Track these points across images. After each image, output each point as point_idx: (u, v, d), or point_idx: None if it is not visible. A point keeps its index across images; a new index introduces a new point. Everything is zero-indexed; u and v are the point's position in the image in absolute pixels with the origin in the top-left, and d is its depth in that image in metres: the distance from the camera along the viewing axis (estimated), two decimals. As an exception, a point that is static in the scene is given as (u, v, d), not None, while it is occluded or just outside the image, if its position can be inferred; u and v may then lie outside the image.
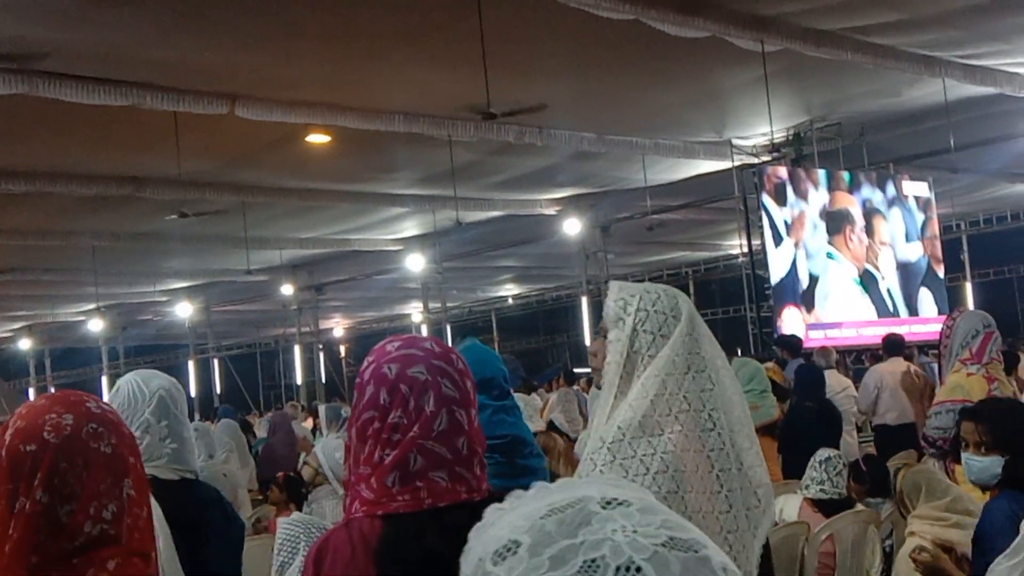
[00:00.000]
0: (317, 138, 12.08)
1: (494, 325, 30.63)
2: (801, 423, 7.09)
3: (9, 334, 28.80)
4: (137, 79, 9.28)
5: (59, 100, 8.98)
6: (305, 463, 6.54)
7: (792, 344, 10.01)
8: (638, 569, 0.77)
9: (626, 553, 0.78)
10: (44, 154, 11.90)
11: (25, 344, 29.05)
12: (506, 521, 0.86)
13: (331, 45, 9.23)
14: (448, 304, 25.18)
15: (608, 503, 0.83)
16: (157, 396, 2.82)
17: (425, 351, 1.87)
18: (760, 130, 13.37)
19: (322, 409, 7.41)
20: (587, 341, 18.90)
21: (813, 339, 11.89)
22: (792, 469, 6.09)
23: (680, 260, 25.02)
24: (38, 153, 11.82)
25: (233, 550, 3.05)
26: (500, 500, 0.91)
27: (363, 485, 1.80)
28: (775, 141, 13.88)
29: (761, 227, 13.00)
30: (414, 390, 1.81)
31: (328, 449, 6.59)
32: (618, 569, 0.78)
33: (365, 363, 1.90)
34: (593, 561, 0.78)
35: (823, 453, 4.99)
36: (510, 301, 30.31)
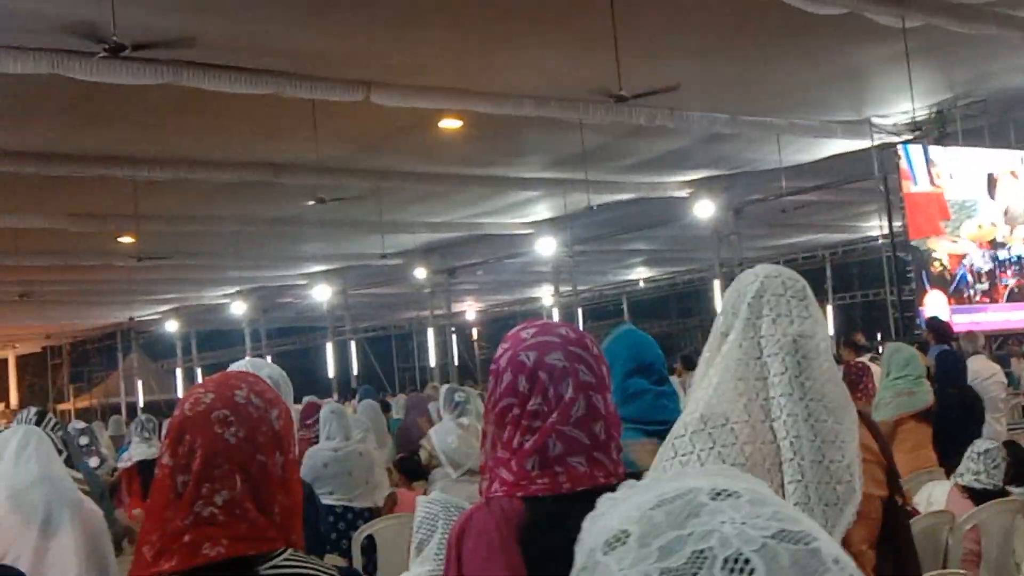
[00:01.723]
0: (449, 123, 12.20)
1: (625, 308, 30.50)
2: (943, 410, 6.87)
3: (158, 316, 30.01)
4: (276, 68, 9.51)
5: (201, 89, 9.27)
6: (421, 446, 6.66)
7: (941, 329, 9.63)
8: (746, 561, 0.76)
9: (734, 545, 0.77)
10: (188, 142, 12.34)
11: (172, 326, 30.24)
12: (617, 511, 0.87)
13: (462, 30, 9.30)
14: (579, 287, 25.17)
15: (718, 494, 0.82)
16: (269, 381, 2.90)
17: (561, 338, 1.87)
18: (900, 108, 12.94)
19: (441, 392, 7.51)
20: (720, 325, 18.61)
21: (958, 323, 11.48)
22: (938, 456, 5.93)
23: (816, 242, 24.43)
24: (182, 141, 12.27)
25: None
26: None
27: (502, 468, 1.82)
28: (916, 119, 13.42)
29: (902, 208, 12.61)
30: (553, 377, 1.82)
31: (441, 433, 6.68)
32: (726, 560, 0.77)
33: (500, 350, 1.92)
34: (701, 552, 0.78)
35: (982, 444, 4.81)
36: (641, 284, 30.12)
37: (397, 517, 5.46)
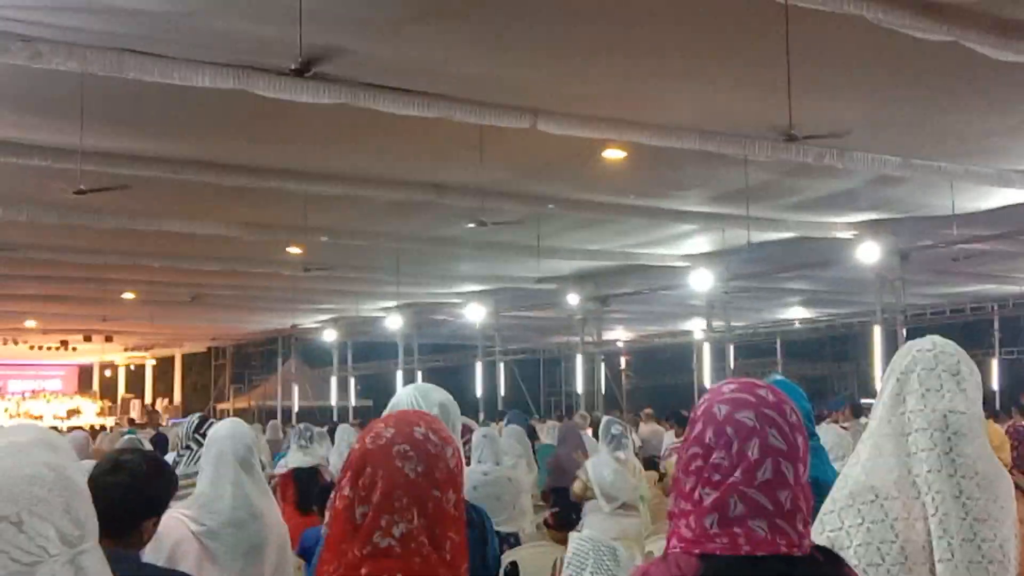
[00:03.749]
0: (613, 153, 12.23)
1: (779, 348, 29.88)
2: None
3: (317, 325, 30.93)
4: (447, 92, 9.73)
5: (373, 109, 9.55)
6: (576, 477, 6.66)
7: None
8: None
9: None
10: (357, 160, 12.73)
11: (330, 335, 31.12)
12: None
13: (630, 61, 9.32)
14: (732, 324, 24.80)
15: None
16: (437, 409, 2.97)
17: (758, 398, 1.84)
18: (1086, 160, 12.36)
19: (601, 424, 7.51)
20: (877, 371, 18.06)
21: None
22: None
23: (985, 293, 23.44)
24: (352, 158, 12.66)
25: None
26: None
27: (683, 521, 1.81)
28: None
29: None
30: (739, 434, 1.79)
31: (598, 466, 6.67)
32: None
33: (701, 399, 1.91)
34: None
35: None
36: (797, 324, 29.46)
37: (542, 545, 5.50)
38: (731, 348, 24.43)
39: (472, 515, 3.02)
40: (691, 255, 19.52)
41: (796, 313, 28.45)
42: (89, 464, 2.95)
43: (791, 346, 30.54)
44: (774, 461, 1.78)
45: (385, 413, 2.68)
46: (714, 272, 19.55)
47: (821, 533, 2.13)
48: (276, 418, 25.05)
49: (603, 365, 27.54)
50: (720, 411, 1.83)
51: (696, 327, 27.80)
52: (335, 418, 27.13)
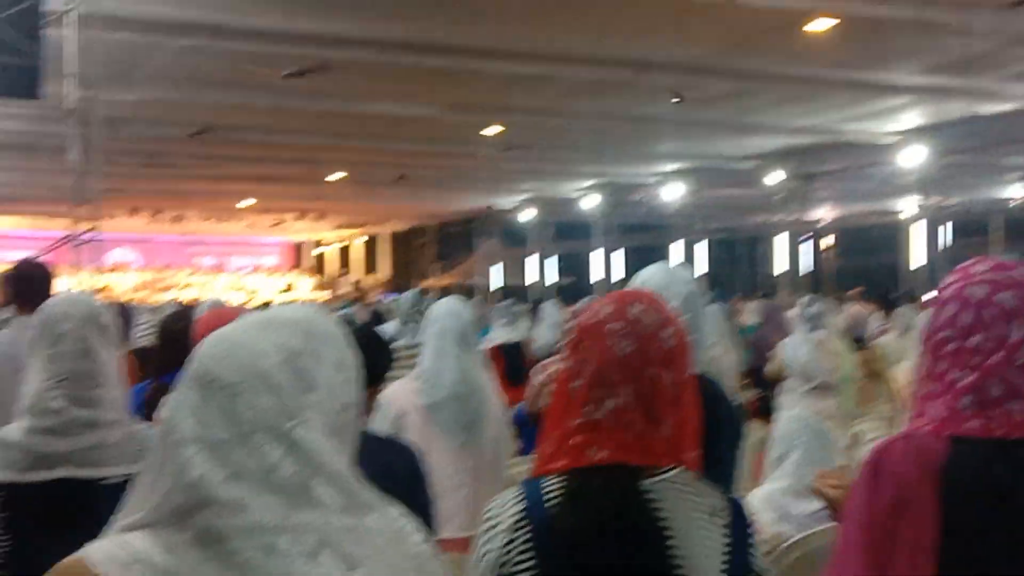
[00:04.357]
0: (820, 23, 11.72)
1: (996, 227, 28.31)
2: None
3: (515, 205, 31.31)
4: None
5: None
6: (770, 357, 6.60)
7: None
8: None
9: None
10: (555, 38, 12.66)
11: (528, 215, 31.46)
12: None
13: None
14: (945, 202, 23.64)
15: None
16: (684, 289, 2.98)
17: (1016, 279, 1.78)
18: None
19: (802, 301, 7.36)
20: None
21: None
22: None
23: None
24: (549, 37, 12.60)
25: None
26: None
27: (932, 403, 1.77)
28: None
29: None
30: (1001, 316, 1.75)
31: (793, 345, 6.58)
32: None
33: (947, 280, 1.86)
34: None
35: None
36: (1014, 203, 27.77)
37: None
38: (947, 227, 23.30)
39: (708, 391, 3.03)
40: (902, 131, 18.63)
41: (1017, 192, 26.81)
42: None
43: (1011, 224, 28.86)
44: None
45: (629, 287, 2.73)
46: (927, 148, 18.62)
47: None
48: (477, 295, 25.71)
49: (806, 245, 26.86)
50: (976, 293, 1.78)
51: (906, 206, 26.69)
52: (533, 296, 27.63)
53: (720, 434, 2.72)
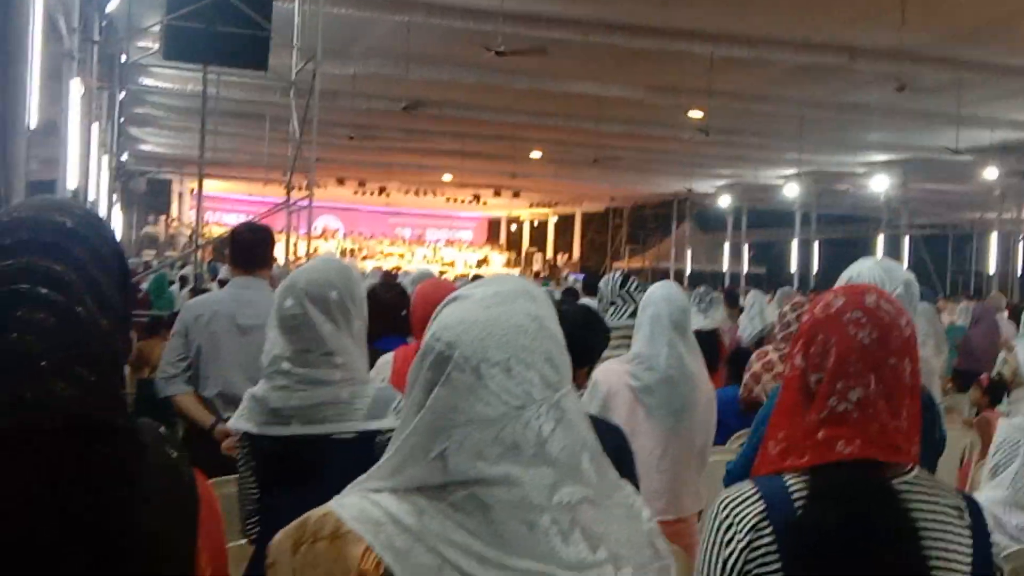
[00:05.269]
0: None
1: None
2: None
3: (713, 190, 30.87)
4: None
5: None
6: (1005, 361, 6.30)
7: None
8: None
9: None
10: (766, 21, 12.40)
11: (726, 201, 30.96)
12: None
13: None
14: None
15: None
16: (901, 287, 2.90)
17: None
18: None
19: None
20: None
21: None
22: None
23: None
24: (761, 20, 12.35)
25: None
26: None
27: None
28: None
29: None
30: None
31: (1030, 349, 6.23)
32: None
33: None
34: None
35: None
36: None
37: (953, 429, 5.32)
38: None
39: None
40: None
41: None
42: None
43: None
44: None
45: (839, 284, 2.68)
46: None
47: None
48: (669, 279, 25.47)
49: (1021, 245, 25.45)
50: None
51: None
52: (727, 283, 27.20)
53: (923, 439, 2.67)
